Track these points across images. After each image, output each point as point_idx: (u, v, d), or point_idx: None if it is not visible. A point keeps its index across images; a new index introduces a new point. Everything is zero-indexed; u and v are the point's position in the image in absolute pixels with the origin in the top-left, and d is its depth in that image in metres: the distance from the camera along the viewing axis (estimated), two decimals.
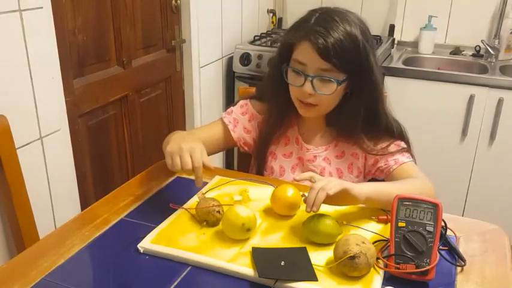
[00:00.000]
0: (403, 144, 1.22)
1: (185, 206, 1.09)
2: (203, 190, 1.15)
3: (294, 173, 1.29)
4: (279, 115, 1.27)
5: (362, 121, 1.19)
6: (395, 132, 1.23)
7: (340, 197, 0.98)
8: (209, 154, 1.34)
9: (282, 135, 1.30)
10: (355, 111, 1.18)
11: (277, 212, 1.07)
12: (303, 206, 1.06)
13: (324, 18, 1.13)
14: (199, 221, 1.03)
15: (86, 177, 1.68)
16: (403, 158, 1.19)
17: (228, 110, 1.36)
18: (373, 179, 1.28)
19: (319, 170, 1.26)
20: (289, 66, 1.17)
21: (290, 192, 1.05)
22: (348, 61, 1.11)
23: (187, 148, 1.02)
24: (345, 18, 1.12)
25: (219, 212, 1.01)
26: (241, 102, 1.36)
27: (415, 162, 1.22)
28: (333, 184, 0.97)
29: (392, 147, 1.21)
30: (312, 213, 0.97)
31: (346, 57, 1.10)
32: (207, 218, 1.01)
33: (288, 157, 1.30)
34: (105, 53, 1.72)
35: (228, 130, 1.32)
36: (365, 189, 1.03)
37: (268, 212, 1.08)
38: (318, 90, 1.14)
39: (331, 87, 1.13)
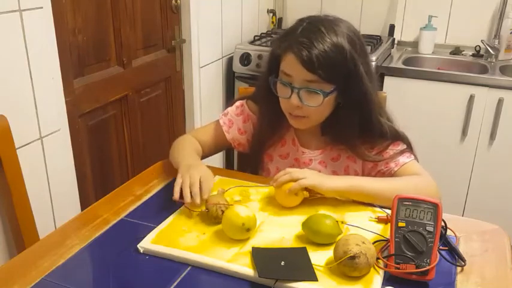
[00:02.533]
0: (401, 146, 1.20)
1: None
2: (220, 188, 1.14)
3: None
4: (269, 124, 1.26)
5: (357, 131, 1.17)
6: (390, 137, 1.20)
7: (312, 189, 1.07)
8: (208, 155, 1.35)
9: (278, 138, 1.30)
10: (349, 122, 1.16)
11: (280, 203, 1.07)
12: (303, 209, 1.07)
13: (310, 28, 1.10)
14: (210, 216, 1.02)
15: (86, 177, 1.68)
16: (403, 158, 1.18)
17: (225, 111, 1.36)
18: None
19: None
20: (277, 79, 1.15)
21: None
22: (334, 72, 1.08)
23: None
24: (332, 28, 1.09)
25: (222, 211, 1.00)
26: (238, 103, 1.35)
27: (417, 160, 1.21)
28: (303, 181, 1.05)
29: (390, 151, 1.19)
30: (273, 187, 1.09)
31: (331, 68, 1.07)
32: (211, 213, 1.01)
33: (284, 158, 1.30)
34: (105, 53, 1.72)
35: (222, 132, 1.33)
36: (337, 184, 1.08)
37: (268, 212, 1.08)
38: (304, 101, 1.11)
39: (318, 99, 1.11)
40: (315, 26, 1.10)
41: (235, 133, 1.33)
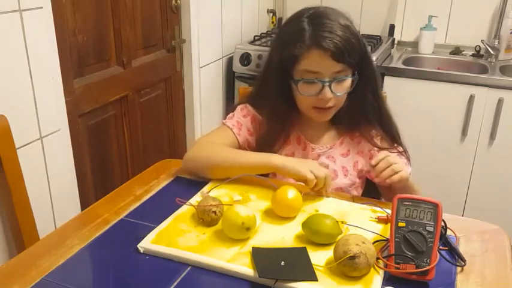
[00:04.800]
0: (406, 155, 1.25)
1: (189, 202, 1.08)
2: (206, 189, 1.15)
3: None
4: (282, 127, 1.27)
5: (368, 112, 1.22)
6: (395, 132, 1.25)
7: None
8: None
9: (285, 138, 1.29)
10: (362, 100, 1.20)
11: (278, 213, 1.06)
12: (303, 208, 1.07)
13: (319, 21, 1.13)
14: (198, 218, 1.03)
15: (86, 177, 1.68)
16: (408, 168, 1.21)
17: (229, 115, 1.34)
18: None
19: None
20: (300, 79, 1.16)
21: (291, 194, 1.04)
22: (356, 55, 1.14)
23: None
24: (335, 15, 1.14)
25: (215, 212, 1.00)
26: (240, 106, 1.34)
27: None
28: (403, 173, 1.07)
29: (397, 152, 1.24)
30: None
31: (354, 53, 1.13)
32: (202, 217, 1.01)
33: (290, 157, 1.29)
34: (105, 53, 1.72)
35: (233, 134, 1.30)
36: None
37: (268, 212, 1.08)
38: (336, 92, 1.15)
39: (346, 84, 1.16)
40: (321, 17, 1.14)
41: (246, 134, 1.30)
